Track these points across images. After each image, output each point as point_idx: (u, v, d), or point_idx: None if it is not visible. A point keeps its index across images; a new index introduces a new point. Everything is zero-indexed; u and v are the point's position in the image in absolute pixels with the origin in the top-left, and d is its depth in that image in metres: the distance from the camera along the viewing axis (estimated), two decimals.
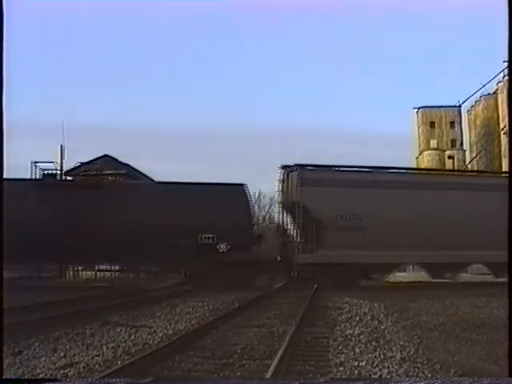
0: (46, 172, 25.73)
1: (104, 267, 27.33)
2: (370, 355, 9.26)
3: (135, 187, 25.64)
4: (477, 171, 47.25)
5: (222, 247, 23.81)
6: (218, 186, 25.34)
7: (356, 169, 26.57)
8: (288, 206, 25.46)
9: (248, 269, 23.52)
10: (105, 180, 25.72)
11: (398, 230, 23.74)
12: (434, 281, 25.65)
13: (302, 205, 24.24)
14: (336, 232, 23.99)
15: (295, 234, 25.73)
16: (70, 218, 23.16)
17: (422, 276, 26.68)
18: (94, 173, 27.04)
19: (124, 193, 24.62)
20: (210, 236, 23.75)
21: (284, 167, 25.68)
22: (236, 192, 24.80)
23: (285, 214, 26.02)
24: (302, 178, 24.63)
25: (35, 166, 25.74)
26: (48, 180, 25.21)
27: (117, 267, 27.03)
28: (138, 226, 23.06)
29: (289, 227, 26.12)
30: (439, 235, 23.65)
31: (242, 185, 25.15)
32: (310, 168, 25.81)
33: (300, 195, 24.33)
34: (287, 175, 25.58)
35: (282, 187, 25.56)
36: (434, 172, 38.06)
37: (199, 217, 23.64)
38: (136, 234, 22.79)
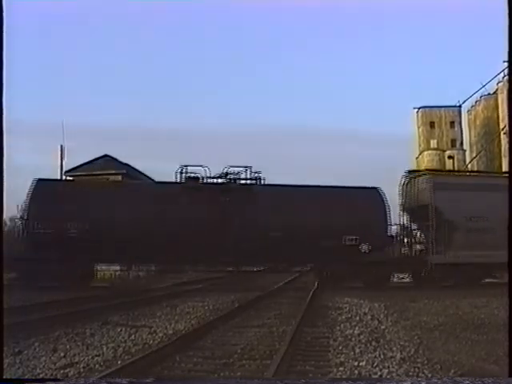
0: (190, 175, 25.73)
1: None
2: (369, 355, 9.26)
3: (275, 190, 25.54)
4: None
5: (365, 248, 24.43)
6: (356, 189, 25.91)
7: (476, 173, 27.68)
8: (411, 208, 26.56)
9: (385, 269, 24.46)
10: (238, 184, 25.62)
11: None
12: None
13: (434, 207, 25.25)
14: (465, 233, 25.11)
15: (420, 235, 27.03)
16: (221, 218, 23.74)
17: None
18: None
19: (267, 195, 24.80)
20: (354, 237, 24.34)
21: (410, 172, 27.27)
22: (373, 194, 25.48)
23: (406, 216, 27.09)
24: (435, 183, 25.84)
25: (182, 170, 25.87)
26: (192, 183, 25.24)
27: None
28: (287, 228, 23.53)
29: (413, 228, 27.26)
30: None
31: (375, 188, 25.87)
32: (439, 173, 27.43)
33: (433, 198, 25.38)
34: (411, 179, 26.95)
35: (405, 191, 26.88)
36: None
37: (343, 218, 24.36)
38: (285, 235, 23.30)
